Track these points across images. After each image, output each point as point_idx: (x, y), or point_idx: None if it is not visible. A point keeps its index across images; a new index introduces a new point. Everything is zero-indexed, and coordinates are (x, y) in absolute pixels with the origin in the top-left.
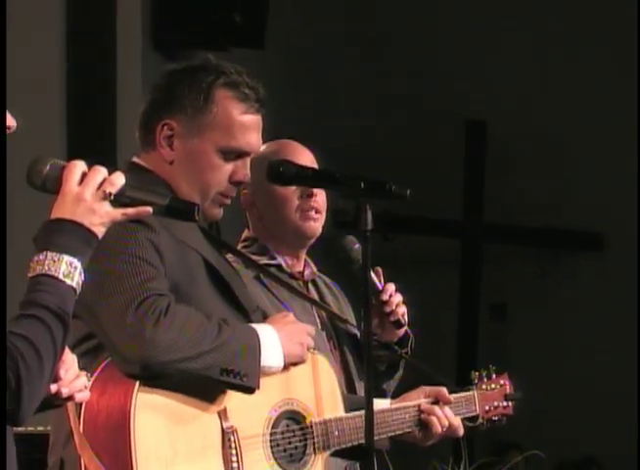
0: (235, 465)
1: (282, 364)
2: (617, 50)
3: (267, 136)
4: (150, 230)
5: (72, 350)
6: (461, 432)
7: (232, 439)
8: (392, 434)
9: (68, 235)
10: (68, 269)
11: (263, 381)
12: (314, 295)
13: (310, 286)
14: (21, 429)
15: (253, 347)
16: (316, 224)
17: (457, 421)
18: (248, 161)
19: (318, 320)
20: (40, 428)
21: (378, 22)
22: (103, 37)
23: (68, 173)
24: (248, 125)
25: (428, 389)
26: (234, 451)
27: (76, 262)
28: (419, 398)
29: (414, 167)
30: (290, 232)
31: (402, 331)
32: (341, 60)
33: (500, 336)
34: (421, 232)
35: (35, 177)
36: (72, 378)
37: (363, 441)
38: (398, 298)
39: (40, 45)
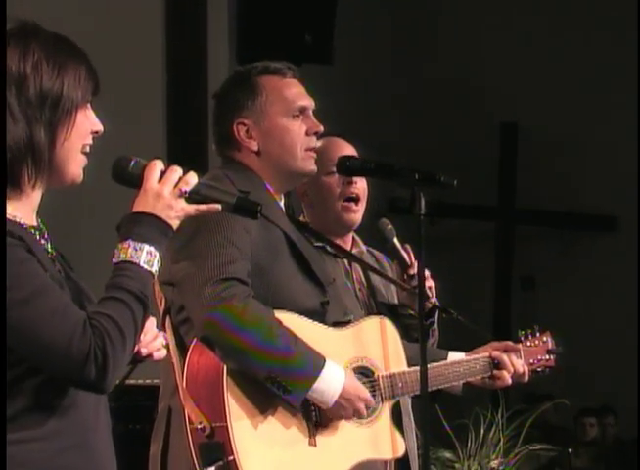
0: (313, 414)
1: (329, 405)
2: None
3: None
4: None
5: (175, 316)
6: (526, 378)
7: None
8: (464, 380)
9: (149, 227)
10: (148, 257)
11: (337, 342)
12: (358, 270)
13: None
14: (132, 381)
15: (312, 372)
16: (356, 215)
17: (524, 368)
18: (310, 113)
19: (358, 294)
20: (148, 381)
21: (424, 37)
22: (197, 54)
23: (149, 172)
24: (290, 85)
25: (496, 343)
26: (312, 403)
27: (155, 251)
28: (488, 351)
29: (458, 162)
30: (332, 221)
31: (432, 301)
32: (394, 70)
33: (530, 303)
34: (462, 216)
35: (120, 173)
36: (150, 339)
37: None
38: (425, 273)
39: (145, 66)
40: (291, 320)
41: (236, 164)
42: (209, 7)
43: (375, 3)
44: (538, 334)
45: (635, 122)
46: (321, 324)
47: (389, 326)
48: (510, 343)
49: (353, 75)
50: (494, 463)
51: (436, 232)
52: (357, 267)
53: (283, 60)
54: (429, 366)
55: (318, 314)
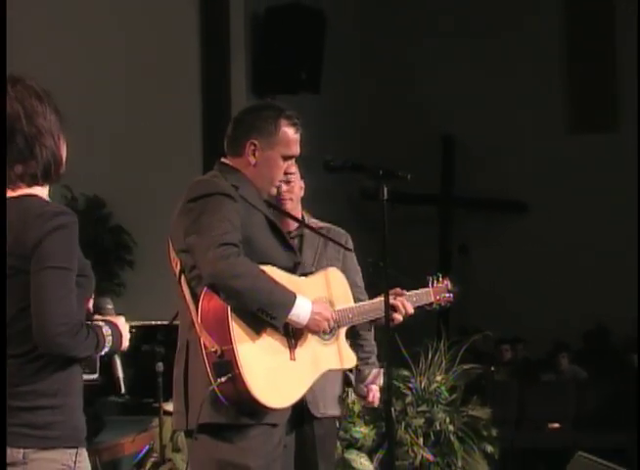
0: (292, 337)
1: (304, 323)
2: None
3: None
4: (235, 201)
5: (188, 274)
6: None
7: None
8: (368, 320)
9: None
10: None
11: (305, 285)
12: (295, 243)
13: (298, 237)
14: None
15: (288, 303)
16: (290, 204)
17: (411, 310)
18: (293, 160)
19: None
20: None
21: (388, 65)
22: (223, 87)
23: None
24: (296, 140)
25: (392, 290)
26: (290, 332)
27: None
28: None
29: (412, 162)
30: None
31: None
32: (363, 96)
33: (465, 264)
34: (414, 202)
35: None
36: None
37: (367, 320)
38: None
39: (185, 97)
40: (271, 271)
41: (230, 168)
42: (232, 53)
43: (349, 53)
44: (441, 278)
45: (546, 133)
46: (293, 275)
47: (339, 274)
48: (398, 289)
49: (335, 101)
50: (438, 378)
51: (394, 215)
52: (296, 240)
53: (283, 90)
54: (356, 305)
55: (292, 271)
